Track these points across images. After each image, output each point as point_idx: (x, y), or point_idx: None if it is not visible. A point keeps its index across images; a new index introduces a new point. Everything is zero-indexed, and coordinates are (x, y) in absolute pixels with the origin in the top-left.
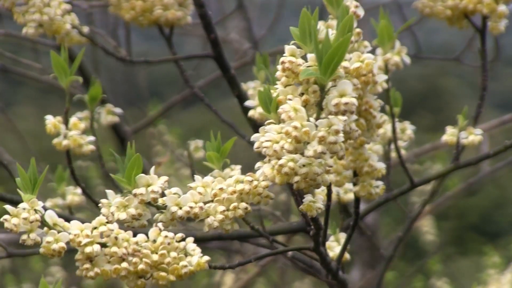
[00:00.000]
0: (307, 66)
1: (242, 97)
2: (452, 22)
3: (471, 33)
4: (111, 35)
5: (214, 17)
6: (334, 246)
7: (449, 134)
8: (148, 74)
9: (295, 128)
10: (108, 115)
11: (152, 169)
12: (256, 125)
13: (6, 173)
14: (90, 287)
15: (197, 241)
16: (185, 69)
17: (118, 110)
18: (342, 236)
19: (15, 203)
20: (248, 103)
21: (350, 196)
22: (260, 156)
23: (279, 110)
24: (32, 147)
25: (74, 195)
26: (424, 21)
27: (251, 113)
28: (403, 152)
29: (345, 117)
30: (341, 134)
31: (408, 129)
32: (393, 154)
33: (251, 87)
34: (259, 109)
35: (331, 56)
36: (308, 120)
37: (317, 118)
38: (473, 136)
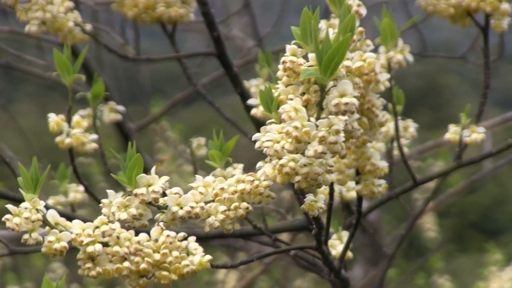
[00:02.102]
0: (308, 66)
1: (244, 95)
2: (455, 20)
3: (474, 31)
4: (120, 33)
5: (218, 15)
6: (336, 244)
7: (452, 132)
8: (151, 71)
9: (296, 128)
10: (111, 112)
11: (153, 169)
12: (258, 123)
13: (8, 169)
14: (91, 284)
15: (200, 239)
16: (189, 66)
17: (120, 107)
18: (345, 234)
19: (17, 201)
20: (250, 101)
21: (353, 194)
22: (263, 155)
23: (280, 110)
24: (33, 144)
25: (76, 192)
26: (426, 19)
27: (253, 111)
28: (405, 150)
29: (345, 117)
30: (342, 134)
31: (410, 127)
32: (396, 152)
33: (254, 85)
34: (262, 108)
35: (331, 56)
36: (308, 120)
37: (317, 118)
38: (476, 134)
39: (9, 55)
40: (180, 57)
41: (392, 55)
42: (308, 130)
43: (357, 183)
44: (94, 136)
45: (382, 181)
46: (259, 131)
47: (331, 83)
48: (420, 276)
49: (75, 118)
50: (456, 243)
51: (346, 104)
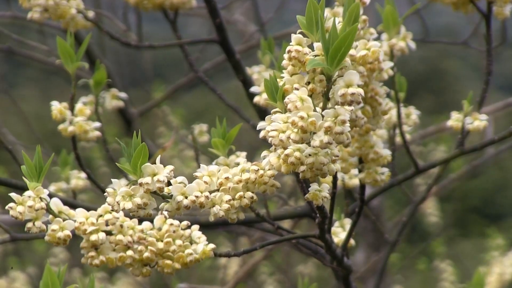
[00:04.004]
0: (314, 56)
1: (247, 81)
2: (457, 7)
3: (476, 16)
4: (122, 19)
5: (221, 1)
6: (339, 232)
7: (455, 120)
8: (153, 56)
9: (302, 118)
10: (113, 99)
11: (158, 158)
12: (261, 111)
13: (9, 155)
14: (93, 270)
15: (202, 226)
16: (191, 51)
17: (123, 94)
18: (347, 222)
19: (19, 188)
20: (253, 89)
21: (355, 182)
22: (266, 142)
23: (285, 100)
24: (35, 129)
25: (78, 179)
26: (428, 4)
27: (256, 99)
28: (407, 136)
29: (351, 107)
30: (348, 124)
31: (413, 114)
32: (398, 139)
33: (256, 72)
34: (265, 96)
35: (338, 46)
36: (314, 110)
37: (323, 108)
38: (478, 121)
39: (11, 40)
40: (182, 43)
41: (395, 42)
42: (314, 120)
43: (360, 171)
44: (97, 124)
45: (385, 169)
46: (261, 119)
47: (337, 73)
48: (422, 261)
49: (78, 106)
50: (458, 228)
51: (353, 94)
